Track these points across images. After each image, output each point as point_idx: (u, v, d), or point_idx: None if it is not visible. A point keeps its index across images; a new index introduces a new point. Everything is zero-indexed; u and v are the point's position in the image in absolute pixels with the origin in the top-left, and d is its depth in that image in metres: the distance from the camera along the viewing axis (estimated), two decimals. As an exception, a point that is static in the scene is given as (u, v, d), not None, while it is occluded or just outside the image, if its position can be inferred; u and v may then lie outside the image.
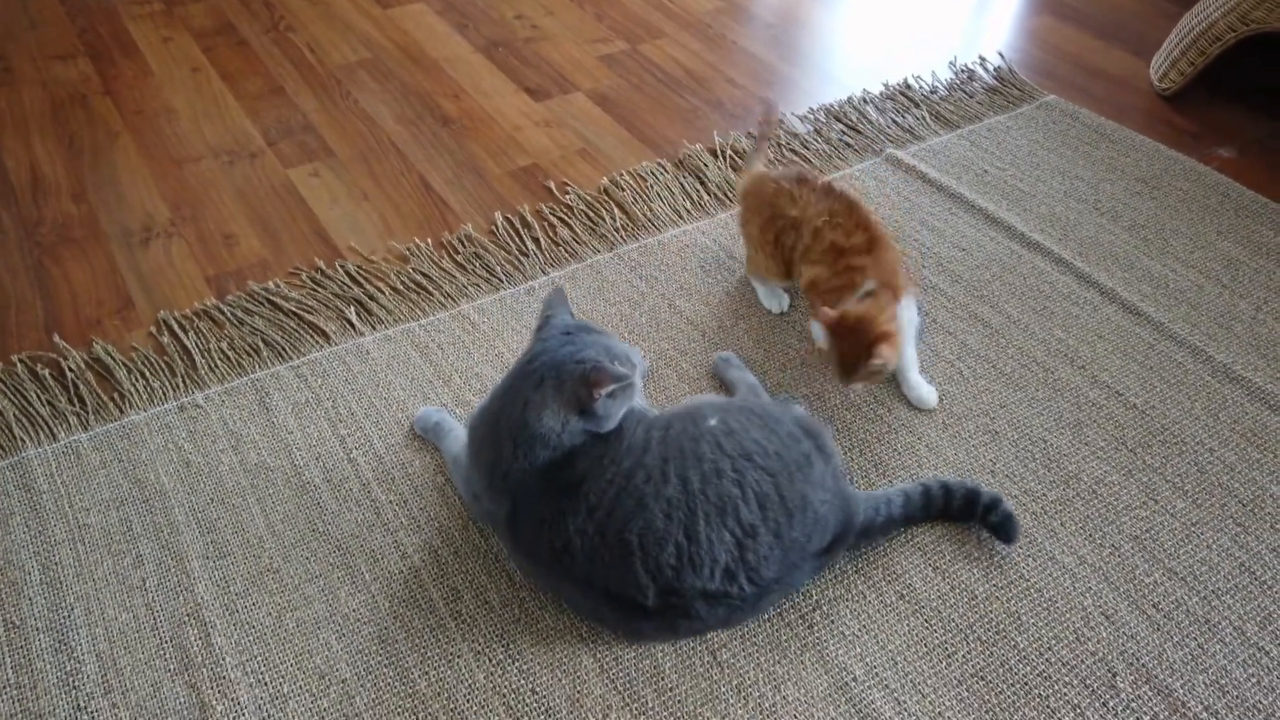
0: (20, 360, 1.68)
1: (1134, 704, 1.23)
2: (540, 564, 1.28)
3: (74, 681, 1.25)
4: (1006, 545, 1.39)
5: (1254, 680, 1.26)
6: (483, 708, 1.22)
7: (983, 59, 2.55)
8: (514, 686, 1.24)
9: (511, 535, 1.30)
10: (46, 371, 1.66)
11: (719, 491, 1.24)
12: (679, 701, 1.23)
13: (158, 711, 1.22)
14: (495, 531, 1.39)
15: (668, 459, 1.25)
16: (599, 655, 1.27)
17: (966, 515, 1.41)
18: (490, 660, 1.27)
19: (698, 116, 2.37)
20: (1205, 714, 1.23)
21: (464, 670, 1.26)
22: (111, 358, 1.69)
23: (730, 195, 2.09)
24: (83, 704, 1.22)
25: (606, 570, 1.23)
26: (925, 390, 1.61)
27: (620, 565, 1.22)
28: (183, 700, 1.23)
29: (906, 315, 1.55)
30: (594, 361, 1.26)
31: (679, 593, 1.23)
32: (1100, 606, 1.34)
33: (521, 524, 1.28)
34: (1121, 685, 1.25)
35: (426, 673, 1.26)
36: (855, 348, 1.45)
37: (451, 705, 1.22)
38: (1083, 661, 1.28)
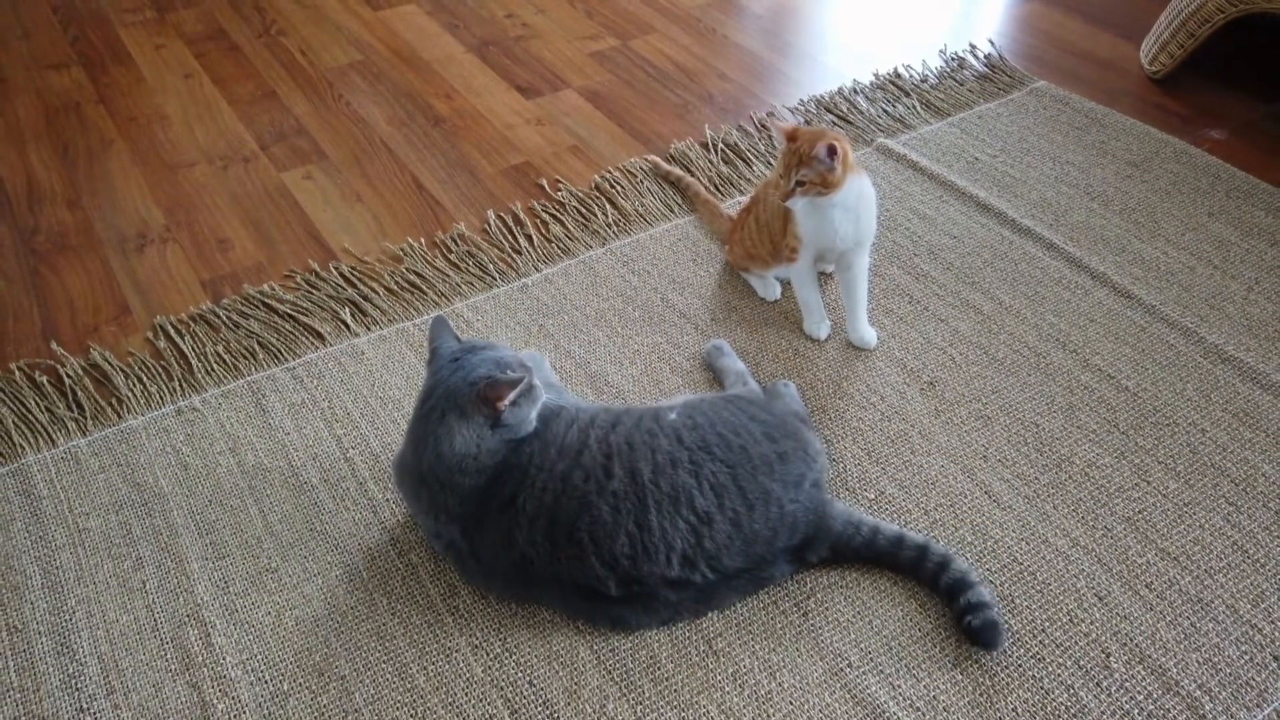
0: (19, 368, 1.69)
1: (1128, 684, 1.24)
2: (510, 580, 1.30)
3: (76, 683, 1.26)
4: (984, 651, 1.26)
5: (1247, 658, 1.27)
6: (481, 701, 1.23)
7: (973, 46, 2.55)
8: (512, 679, 1.25)
9: (477, 564, 1.31)
10: (45, 378, 1.67)
11: (672, 482, 1.26)
12: (675, 691, 1.24)
13: (160, 711, 1.23)
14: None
15: (611, 455, 1.27)
16: (595, 647, 1.28)
17: (943, 595, 1.31)
18: (488, 654, 1.28)
19: (688, 111, 2.38)
20: (1199, 692, 1.23)
21: (462, 664, 1.27)
22: (109, 363, 1.70)
23: (722, 189, 2.10)
24: (85, 705, 1.24)
25: (568, 568, 1.25)
26: (868, 332, 1.70)
27: (577, 562, 1.25)
28: (184, 700, 1.24)
29: (865, 188, 1.59)
30: (486, 378, 1.27)
31: (640, 581, 1.25)
32: (1093, 588, 1.34)
33: (479, 554, 1.30)
34: (1115, 665, 1.26)
35: (425, 668, 1.27)
36: (806, 146, 1.52)
37: (450, 699, 1.24)
38: (1076, 643, 1.29)
